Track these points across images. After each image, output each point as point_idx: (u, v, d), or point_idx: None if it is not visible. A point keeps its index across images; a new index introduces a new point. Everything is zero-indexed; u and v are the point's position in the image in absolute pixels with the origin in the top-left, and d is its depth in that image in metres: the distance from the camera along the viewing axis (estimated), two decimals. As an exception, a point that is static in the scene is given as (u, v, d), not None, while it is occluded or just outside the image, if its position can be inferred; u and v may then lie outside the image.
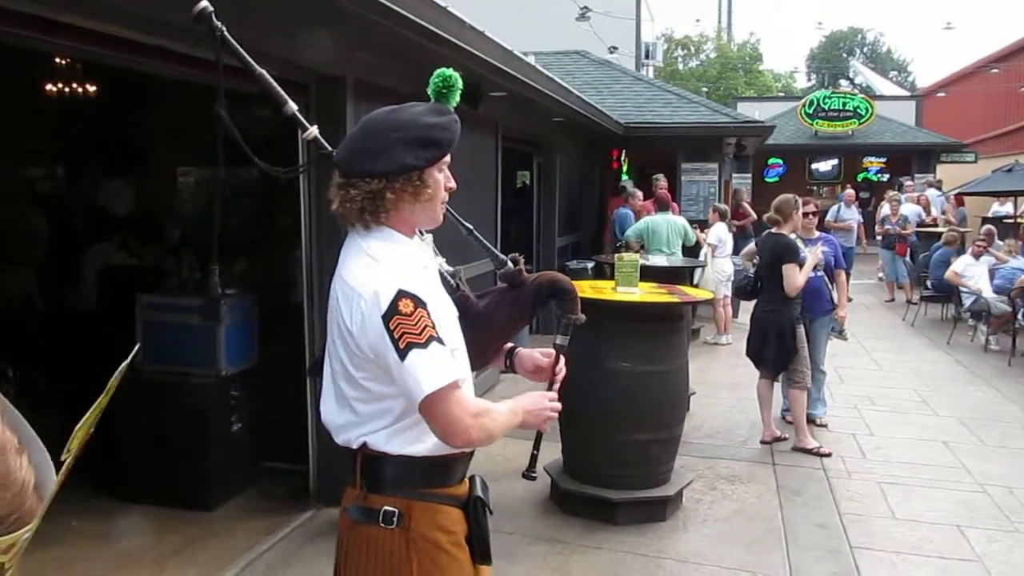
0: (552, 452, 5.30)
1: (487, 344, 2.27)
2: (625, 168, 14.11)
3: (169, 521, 4.78)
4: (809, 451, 6.29)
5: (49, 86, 6.64)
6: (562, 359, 2.30)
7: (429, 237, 2.19)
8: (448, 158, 2.04)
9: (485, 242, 2.31)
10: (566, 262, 10.99)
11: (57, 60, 6.28)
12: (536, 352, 2.37)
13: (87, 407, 0.83)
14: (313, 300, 4.93)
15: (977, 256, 11.33)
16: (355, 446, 2.00)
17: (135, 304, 5.10)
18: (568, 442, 5.21)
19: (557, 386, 2.26)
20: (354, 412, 1.99)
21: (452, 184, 2.07)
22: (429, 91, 2.18)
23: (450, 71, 2.17)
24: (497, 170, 8.18)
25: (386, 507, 1.97)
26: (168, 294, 5.46)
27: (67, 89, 6.73)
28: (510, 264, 2.30)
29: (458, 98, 2.17)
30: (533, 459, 2.34)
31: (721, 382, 8.39)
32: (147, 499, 4.92)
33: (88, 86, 6.80)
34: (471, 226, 2.31)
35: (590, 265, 10.62)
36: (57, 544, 4.37)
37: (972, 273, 11.09)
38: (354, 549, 2.02)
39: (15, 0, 2.86)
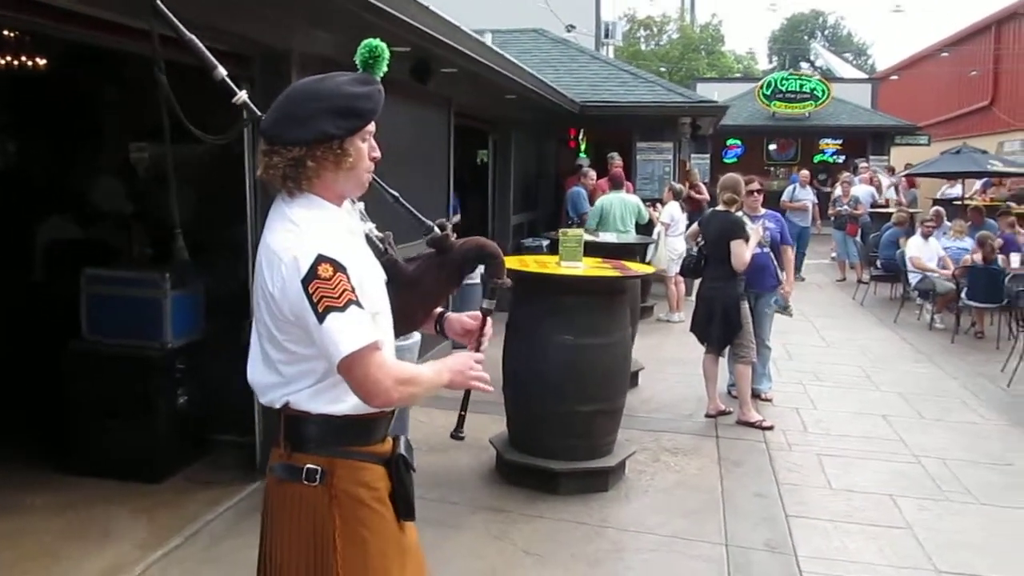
0: (498, 424, 5.39)
1: (415, 308, 2.33)
2: (583, 147, 14.18)
3: (117, 493, 4.78)
4: (752, 424, 6.43)
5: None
6: (489, 321, 2.37)
7: (360, 204, 2.23)
8: (372, 127, 2.07)
9: (411, 208, 2.36)
10: (522, 240, 11.04)
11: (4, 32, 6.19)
12: (464, 316, 2.44)
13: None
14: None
15: (926, 236, 11.53)
16: (278, 406, 2.06)
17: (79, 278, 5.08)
18: (513, 414, 5.28)
19: (484, 347, 2.33)
20: (279, 373, 2.04)
21: (376, 153, 2.10)
22: (357, 61, 2.20)
23: (377, 41, 2.17)
24: (449, 147, 8.18)
25: (309, 465, 2.03)
26: (113, 267, 5.42)
27: (15, 63, 6.62)
28: (437, 230, 2.36)
29: (385, 68, 2.18)
30: (461, 420, 2.40)
31: (672, 358, 8.50)
32: (95, 472, 4.91)
33: (35, 59, 6.69)
34: (397, 193, 2.35)
35: (545, 243, 10.68)
36: (6, 518, 4.38)
37: (925, 255, 11.27)
38: (279, 507, 2.08)
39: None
